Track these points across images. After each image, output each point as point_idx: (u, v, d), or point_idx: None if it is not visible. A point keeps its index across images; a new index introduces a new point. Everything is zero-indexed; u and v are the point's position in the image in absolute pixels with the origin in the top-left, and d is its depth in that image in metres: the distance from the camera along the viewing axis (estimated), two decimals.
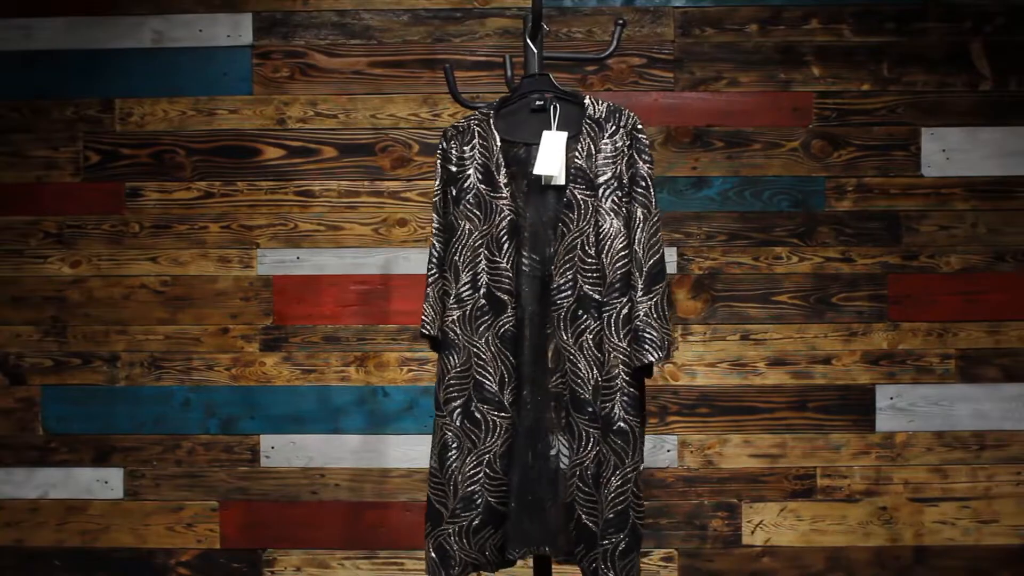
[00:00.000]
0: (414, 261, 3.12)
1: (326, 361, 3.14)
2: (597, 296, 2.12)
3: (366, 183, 3.15)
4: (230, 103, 3.16)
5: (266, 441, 3.14)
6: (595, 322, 2.11)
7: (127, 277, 3.16)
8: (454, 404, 2.17)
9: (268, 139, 3.16)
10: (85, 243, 3.16)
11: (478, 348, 2.15)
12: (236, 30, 3.15)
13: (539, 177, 2.15)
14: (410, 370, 3.13)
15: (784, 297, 3.12)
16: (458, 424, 2.16)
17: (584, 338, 2.12)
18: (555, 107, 2.15)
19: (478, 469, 2.14)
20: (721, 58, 3.13)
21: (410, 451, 3.13)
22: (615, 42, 2.24)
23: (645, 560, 3.12)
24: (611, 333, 2.10)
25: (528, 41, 2.14)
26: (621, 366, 2.10)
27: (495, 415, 2.14)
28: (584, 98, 2.17)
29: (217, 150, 3.16)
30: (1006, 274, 3.08)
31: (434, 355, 3.08)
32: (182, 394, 3.15)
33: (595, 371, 2.11)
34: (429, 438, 3.01)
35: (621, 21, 2.25)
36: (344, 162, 3.15)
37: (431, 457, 2.20)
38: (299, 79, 3.16)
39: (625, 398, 2.10)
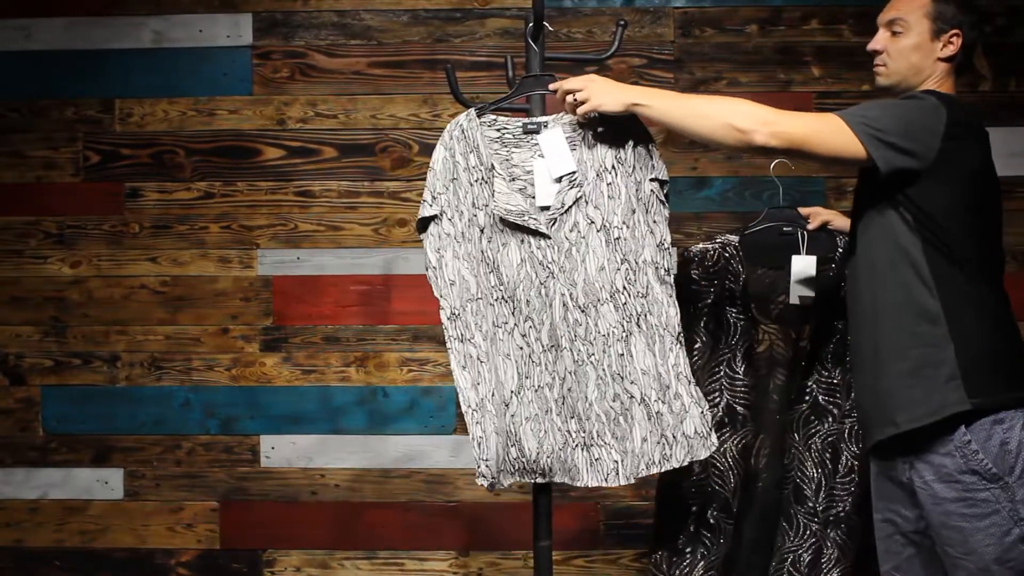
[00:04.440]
0: (414, 261, 3.09)
1: (326, 361, 3.13)
2: (830, 405, 2.28)
3: (366, 183, 3.15)
4: (230, 103, 3.16)
5: (266, 441, 3.13)
6: (826, 427, 2.28)
7: (127, 277, 3.16)
8: (694, 509, 2.28)
9: (268, 139, 3.15)
10: (85, 243, 3.16)
11: (715, 458, 2.26)
12: (236, 30, 3.14)
13: (785, 297, 2.27)
14: (410, 370, 3.12)
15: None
16: (692, 529, 2.27)
17: (813, 440, 2.29)
18: (803, 234, 2.29)
19: (710, 573, 2.26)
20: (721, 58, 3.12)
21: (410, 452, 3.11)
22: (616, 43, 2.23)
23: None
24: (849, 440, 2.28)
25: (530, 41, 2.13)
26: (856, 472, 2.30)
27: (726, 522, 2.26)
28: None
29: (217, 150, 3.15)
30: (1007, 275, 3.06)
31: (435, 354, 3.11)
32: (182, 394, 3.14)
33: (819, 471, 2.28)
34: (430, 438, 3.08)
35: (622, 22, 2.25)
36: (344, 162, 3.14)
37: (659, 555, 2.28)
38: (299, 79, 3.15)
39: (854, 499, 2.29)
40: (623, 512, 3.09)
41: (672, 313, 2.03)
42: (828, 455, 2.27)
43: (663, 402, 2.00)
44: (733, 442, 2.27)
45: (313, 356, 3.14)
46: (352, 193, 3.15)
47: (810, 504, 2.27)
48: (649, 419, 2.00)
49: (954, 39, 2.08)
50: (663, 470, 2.03)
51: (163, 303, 3.16)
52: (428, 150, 2.99)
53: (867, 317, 2.03)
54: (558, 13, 3.10)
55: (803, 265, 2.26)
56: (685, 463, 2.04)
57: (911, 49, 2.07)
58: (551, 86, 2.09)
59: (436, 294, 2.01)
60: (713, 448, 2.05)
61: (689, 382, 2.04)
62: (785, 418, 2.31)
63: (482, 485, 2.02)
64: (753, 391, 2.28)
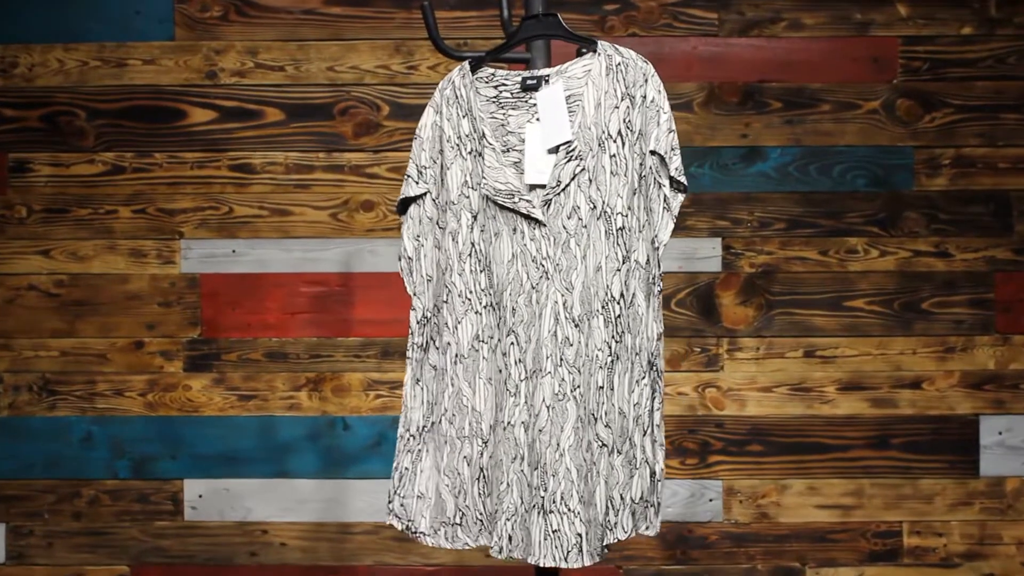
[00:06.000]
0: (383, 256, 2.82)
1: (270, 384, 2.85)
2: None
3: (322, 155, 2.86)
4: (145, 51, 2.87)
5: (192, 487, 2.85)
6: None
7: (11, 276, 2.87)
8: None
9: (194, 98, 2.86)
10: None
11: None
12: None
13: None
14: (378, 395, 2.83)
15: (860, 302, 2.82)
16: None
17: None
18: None
19: None
20: None
21: (377, 500, 2.81)
22: None
23: None
24: None
25: None
26: None
27: None
28: None
29: (128, 112, 2.87)
30: None
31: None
32: (83, 427, 2.86)
33: None
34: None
35: None
36: (293, 127, 2.86)
37: None
38: (235, 20, 2.87)
39: None
40: None
41: (652, 335, 1.76)
42: None
43: (619, 452, 1.75)
44: None
45: (253, 377, 2.86)
46: (304, 167, 2.85)
47: None
48: (612, 473, 1.74)
49: None
50: (608, 543, 1.74)
51: (58, 309, 2.87)
52: (401, 112, 2.91)
53: None
54: None
55: None
56: (625, 537, 1.75)
57: None
58: None
59: (409, 291, 1.85)
60: (655, 532, 1.76)
61: (644, 432, 1.74)
62: None
63: (393, 526, 1.85)
64: None
